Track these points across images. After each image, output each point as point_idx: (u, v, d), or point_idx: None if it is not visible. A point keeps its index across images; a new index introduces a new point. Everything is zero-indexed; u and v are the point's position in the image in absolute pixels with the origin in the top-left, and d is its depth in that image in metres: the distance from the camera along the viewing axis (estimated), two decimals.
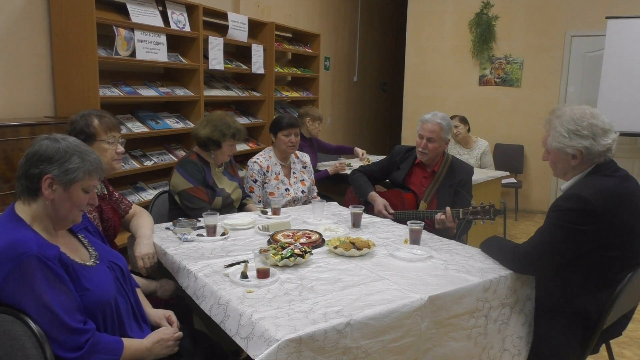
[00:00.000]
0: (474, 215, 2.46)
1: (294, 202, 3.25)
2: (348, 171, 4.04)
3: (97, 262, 1.61)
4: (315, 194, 3.45)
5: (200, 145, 2.80)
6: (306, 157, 3.45)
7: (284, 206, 3.05)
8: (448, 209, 2.52)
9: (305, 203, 3.34)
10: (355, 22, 7.77)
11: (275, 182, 3.19)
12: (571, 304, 1.85)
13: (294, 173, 3.30)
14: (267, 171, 3.18)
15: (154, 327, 1.77)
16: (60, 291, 1.40)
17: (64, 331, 1.39)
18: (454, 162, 2.90)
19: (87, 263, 1.57)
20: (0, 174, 2.57)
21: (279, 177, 3.22)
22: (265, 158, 3.22)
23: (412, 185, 2.92)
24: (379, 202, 2.85)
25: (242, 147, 4.71)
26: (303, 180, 3.34)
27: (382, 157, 3.30)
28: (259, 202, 3.15)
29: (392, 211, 2.81)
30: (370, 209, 2.89)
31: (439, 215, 2.54)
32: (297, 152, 3.37)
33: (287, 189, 3.22)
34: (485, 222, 2.49)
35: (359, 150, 4.79)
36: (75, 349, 1.40)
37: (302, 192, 3.30)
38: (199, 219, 2.45)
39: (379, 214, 2.80)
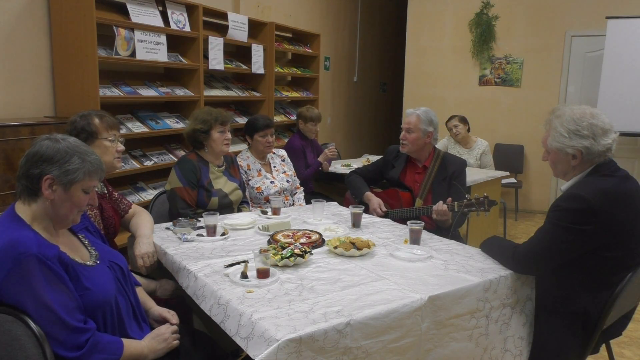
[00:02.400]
0: (468, 207, 2.47)
1: (283, 192, 3.33)
2: (347, 170, 4.04)
3: (98, 262, 1.61)
4: (299, 183, 3.55)
5: (192, 143, 2.83)
6: (282, 152, 3.55)
7: (273, 195, 3.17)
8: (449, 199, 2.54)
9: (293, 193, 3.45)
10: (355, 22, 7.77)
11: (258, 178, 3.27)
12: (571, 304, 1.85)
13: (274, 167, 3.40)
14: (248, 169, 3.26)
15: (157, 322, 1.78)
16: (59, 290, 1.40)
17: (64, 330, 1.39)
18: (445, 157, 2.93)
19: (88, 263, 1.57)
20: (0, 174, 2.57)
21: (262, 174, 3.30)
22: (243, 158, 3.30)
23: (407, 182, 2.95)
24: (374, 201, 2.87)
25: (241, 146, 4.70)
26: (285, 171, 3.43)
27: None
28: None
29: (385, 210, 2.83)
30: (368, 210, 2.89)
31: (438, 205, 2.55)
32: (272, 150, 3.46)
33: (272, 182, 3.29)
34: (480, 214, 2.49)
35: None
36: (76, 348, 1.40)
37: (287, 181, 3.39)
38: (199, 219, 2.45)
39: (374, 213, 2.82)
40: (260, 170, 3.30)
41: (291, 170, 3.50)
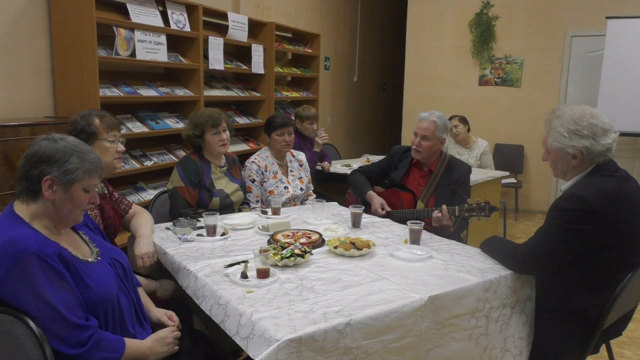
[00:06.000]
0: (469, 212, 2.46)
1: (293, 199, 3.26)
2: (349, 172, 4.03)
3: (99, 259, 1.61)
4: (311, 191, 3.47)
5: (191, 146, 2.85)
6: (302, 156, 3.47)
7: (284, 204, 3.07)
8: (444, 206, 2.52)
9: (303, 201, 3.36)
10: (355, 22, 7.77)
11: (273, 180, 3.19)
12: (571, 304, 1.85)
13: (291, 171, 3.31)
14: (265, 170, 3.18)
15: (155, 325, 1.77)
16: (60, 287, 1.40)
17: (65, 327, 1.39)
18: (451, 161, 2.90)
19: (89, 259, 1.57)
20: (0, 174, 2.57)
21: (277, 176, 3.22)
22: (262, 158, 3.22)
23: (410, 185, 2.93)
24: (376, 201, 2.86)
25: (241, 147, 4.71)
26: (301, 177, 3.35)
27: (383, 157, 3.30)
28: (257, 201, 3.15)
29: (388, 210, 2.81)
30: (369, 209, 2.89)
31: (436, 213, 2.55)
32: (292, 150, 3.39)
33: (285, 187, 3.21)
34: (481, 220, 2.49)
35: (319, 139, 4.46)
36: (79, 345, 1.40)
37: (301, 189, 3.30)
38: (199, 219, 2.45)
39: (375, 213, 2.81)
40: (277, 173, 3.21)
41: (307, 177, 3.40)
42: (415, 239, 2.20)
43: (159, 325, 1.78)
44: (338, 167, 4.61)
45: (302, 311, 1.53)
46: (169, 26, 3.71)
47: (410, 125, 6.96)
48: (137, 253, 2.13)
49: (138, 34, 3.39)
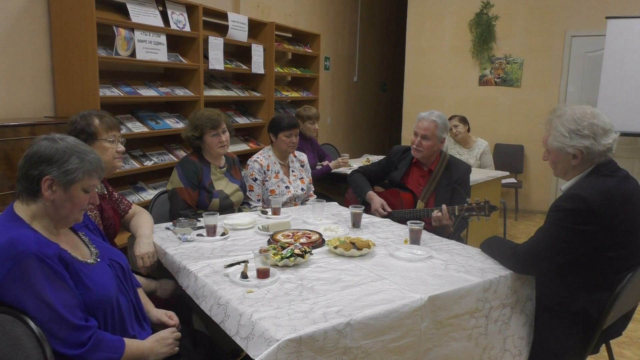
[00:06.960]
0: (469, 212, 2.47)
1: (294, 199, 3.26)
2: (348, 171, 4.03)
3: (98, 260, 1.61)
4: (312, 191, 3.47)
5: (191, 147, 2.86)
6: (303, 156, 3.47)
7: (285, 204, 3.06)
8: (444, 206, 2.52)
9: (304, 201, 3.35)
10: (355, 22, 7.77)
11: (275, 180, 3.20)
12: (571, 304, 1.85)
13: (292, 171, 3.31)
14: (268, 170, 3.19)
15: (155, 325, 1.78)
16: (60, 288, 1.41)
17: (65, 328, 1.39)
18: (451, 161, 2.91)
19: (88, 261, 1.57)
20: (0, 174, 2.57)
21: (279, 176, 3.22)
22: (265, 157, 3.22)
23: (410, 184, 2.93)
24: (376, 201, 2.86)
25: (241, 147, 4.71)
26: (302, 178, 3.35)
27: (383, 157, 3.30)
28: (259, 200, 3.15)
29: (389, 210, 2.82)
30: (369, 209, 2.89)
31: (435, 213, 2.55)
32: (294, 151, 3.39)
33: (287, 187, 3.22)
34: (481, 219, 2.49)
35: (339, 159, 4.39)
36: (78, 346, 1.40)
37: (302, 189, 3.31)
38: (199, 219, 2.45)
39: (376, 213, 2.81)
40: (279, 172, 3.22)
41: (308, 178, 3.40)
42: (415, 239, 2.20)
43: (159, 326, 1.78)
44: None
45: (302, 311, 1.53)
46: (169, 26, 3.71)
47: (410, 125, 6.96)
48: (137, 253, 2.13)
49: (138, 34, 3.39)
